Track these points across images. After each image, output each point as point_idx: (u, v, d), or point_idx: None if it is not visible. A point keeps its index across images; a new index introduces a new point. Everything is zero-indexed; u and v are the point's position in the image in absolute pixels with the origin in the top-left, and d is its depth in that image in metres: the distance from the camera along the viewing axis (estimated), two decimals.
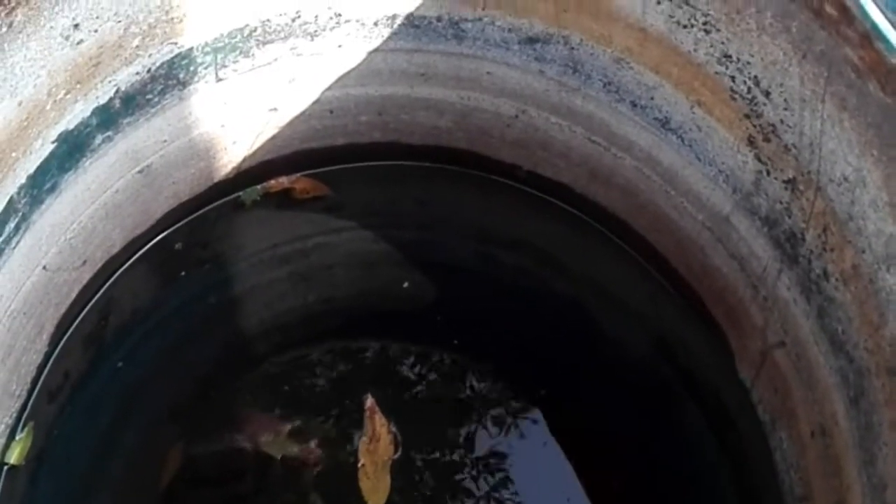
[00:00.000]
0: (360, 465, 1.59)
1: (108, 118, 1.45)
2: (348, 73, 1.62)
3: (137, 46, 1.40)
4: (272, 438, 1.62)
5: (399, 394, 1.68)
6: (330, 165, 1.78)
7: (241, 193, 1.76)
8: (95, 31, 1.33)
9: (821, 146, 1.28)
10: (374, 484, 1.58)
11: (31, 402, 1.56)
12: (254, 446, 1.62)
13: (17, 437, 1.53)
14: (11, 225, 1.39)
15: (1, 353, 1.45)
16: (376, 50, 1.60)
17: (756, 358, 1.54)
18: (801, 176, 1.34)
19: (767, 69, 1.31)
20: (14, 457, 1.51)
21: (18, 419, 1.54)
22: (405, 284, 1.77)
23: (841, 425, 1.35)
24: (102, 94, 1.42)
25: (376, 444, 1.60)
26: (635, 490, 1.62)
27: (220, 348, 1.75)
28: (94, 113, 1.42)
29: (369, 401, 1.64)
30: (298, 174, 1.77)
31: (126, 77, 1.43)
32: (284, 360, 1.73)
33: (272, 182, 1.77)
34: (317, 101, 1.66)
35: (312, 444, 1.63)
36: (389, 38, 1.58)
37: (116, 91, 1.43)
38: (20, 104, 1.29)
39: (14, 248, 1.41)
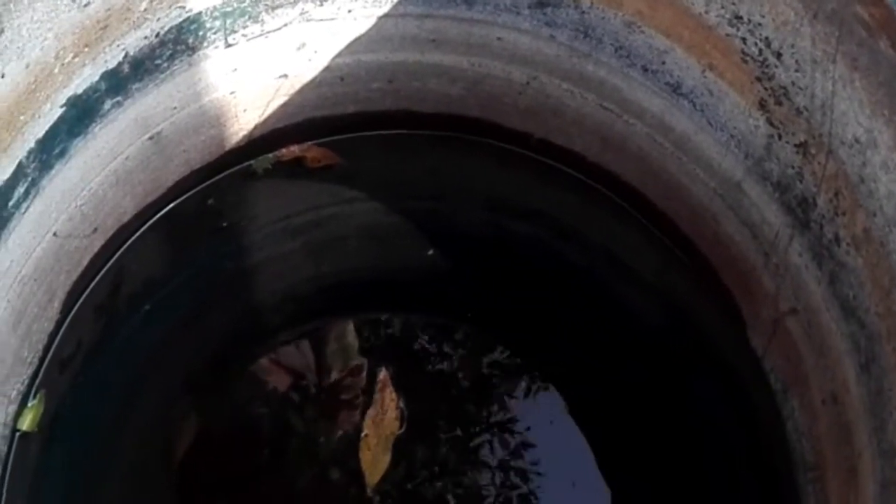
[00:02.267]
0: (363, 435, 1.59)
1: (118, 83, 1.45)
2: (358, 38, 1.61)
3: (145, 10, 1.40)
4: (339, 336, 1.64)
5: (410, 367, 1.68)
6: (341, 134, 1.77)
7: (252, 162, 1.75)
8: None
9: (832, 108, 1.26)
10: (375, 457, 1.58)
11: (42, 369, 1.56)
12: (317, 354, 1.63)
13: (30, 404, 1.53)
14: (21, 190, 1.39)
15: (12, 320, 1.45)
16: (386, 15, 1.59)
17: (768, 325, 1.53)
18: (812, 139, 1.32)
19: (779, 30, 1.29)
20: (26, 424, 1.51)
21: (30, 386, 1.54)
22: (429, 252, 1.76)
23: (852, 392, 1.34)
24: (111, 58, 1.41)
25: (382, 417, 1.60)
26: (649, 460, 1.62)
27: (233, 319, 1.74)
28: (102, 77, 1.42)
29: (382, 373, 1.64)
30: (309, 143, 1.77)
31: (134, 41, 1.43)
32: (299, 331, 1.73)
33: (283, 150, 1.76)
34: (327, 68, 1.65)
35: (364, 371, 1.64)
36: (399, 2, 1.57)
37: (125, 55, 1.43)
38: (27, 66, 1.29)
39: (24, 213, 1.42)
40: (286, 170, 1.77)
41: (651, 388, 1.67)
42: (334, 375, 1.65)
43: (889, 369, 1.25)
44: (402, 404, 1.62)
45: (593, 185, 1.74)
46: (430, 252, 1.76)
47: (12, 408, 1.50)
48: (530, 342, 1.73)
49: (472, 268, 1.77)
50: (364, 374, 1.65)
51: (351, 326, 1.70)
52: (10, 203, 1.38)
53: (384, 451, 1.59)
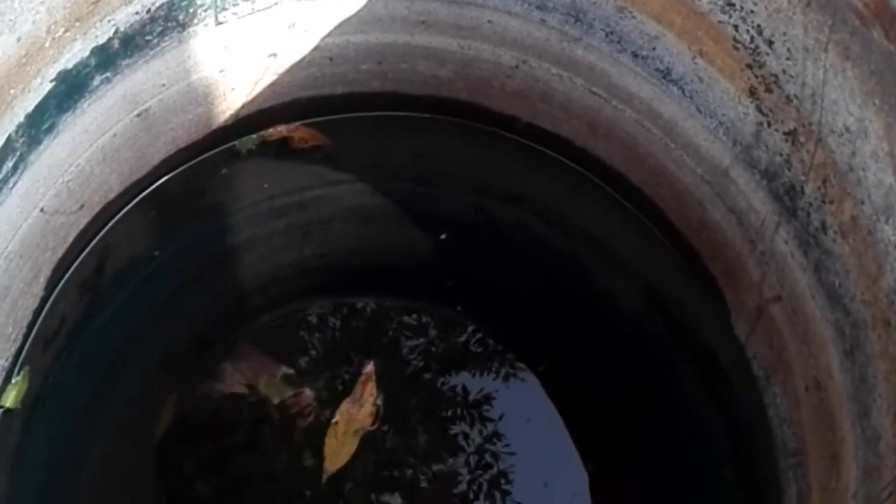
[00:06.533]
0: (333, 422, 1.58)
1: (107, 59, 1.44)
2: (348, 19, 1.61)
3: None
4: (269, 381, 1.62)
5: (391, 357, 1.67)
6: (328, 114, 1.76)
7: (236, 143, 1.74)
8: None
9: (823, 96, 1.27)
10: (339, 446, 1.57)
11: (27, 346, 1.55)
12: (250, 389, 1.61)
13: (13, 381, 1.52)
14: (9, 164, 1.38)
15: None
16: None
17: (752, 313, 1.54)
18: (801, 127, 1.34)
19: (771, 17, 1.30)
20: (10, 400, 1.51)
21: (14, 363, 1.53)
22: (415, 235, 1.76)
23: (835, 378, 1.35)
24: (101, 33, 1.40)
25: (358, 409, 1.59)
26: (628, 446, 1.63)
27: (216, 299, 1.74)
28: (92, 52, 1.41)
29: (369, 367, 1.63)
30: (297, 123, 1.76)
31: (125, 17, 1.42)
32: (281, 313, 1.73)
33: (270, 130, 1.75)
34: (316, 48, 1.64)
35: (307, 392, 1.62)
36: None
37: (115, 31, 1.42)
38: (19, 40, 1.28)
39: (11, 188, 1.41)
40: (272, 150, 1.77)
41: (633, 374, 1.68)
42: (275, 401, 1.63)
43: (873, 356, 1.27)
44: (380, 401, 1.61)
45: (580, 170, 1.74)
46: (416, 235, 1.76)
47: None
48: (513, 326, 1.73)
49: (456, 251, 1.77)
50: (309, 402, 1.63)
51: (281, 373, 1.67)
52: None
53: (350, 442, 1.58)
